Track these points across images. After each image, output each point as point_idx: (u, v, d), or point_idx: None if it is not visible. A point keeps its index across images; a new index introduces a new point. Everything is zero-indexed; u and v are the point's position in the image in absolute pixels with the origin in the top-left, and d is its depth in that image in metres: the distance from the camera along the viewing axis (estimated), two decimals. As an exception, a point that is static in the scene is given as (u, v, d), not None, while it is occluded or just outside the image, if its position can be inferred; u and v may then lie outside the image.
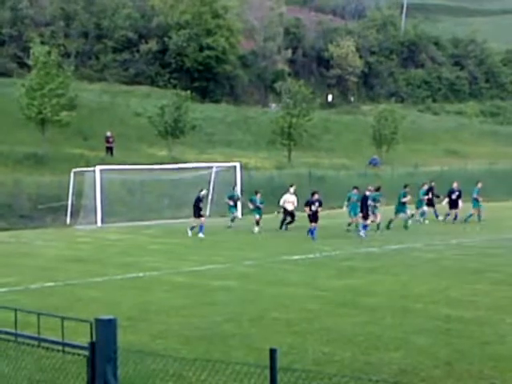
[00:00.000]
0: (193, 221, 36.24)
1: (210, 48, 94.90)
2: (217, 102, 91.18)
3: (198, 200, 36.02)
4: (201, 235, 35.04)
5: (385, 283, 21.55)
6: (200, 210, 35.78)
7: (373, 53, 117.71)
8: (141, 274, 23.87)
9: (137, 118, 70.29)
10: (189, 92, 66.77)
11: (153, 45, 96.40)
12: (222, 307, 18.26)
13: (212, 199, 45.21)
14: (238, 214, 42.44)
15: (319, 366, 12.86)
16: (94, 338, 6.78)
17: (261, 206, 38.22)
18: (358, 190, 36.87)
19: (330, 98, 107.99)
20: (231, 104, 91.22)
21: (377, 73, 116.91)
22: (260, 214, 37.78)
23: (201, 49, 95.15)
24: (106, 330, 6.76)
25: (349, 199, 37.08)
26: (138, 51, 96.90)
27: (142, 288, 21.38)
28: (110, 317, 6.81)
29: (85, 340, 6.83)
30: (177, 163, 49.86)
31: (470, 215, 40.42)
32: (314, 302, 18.77)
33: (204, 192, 36.99)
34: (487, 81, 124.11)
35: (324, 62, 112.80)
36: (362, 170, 64.71)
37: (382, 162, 71.58)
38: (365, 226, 34.26)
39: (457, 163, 70.34)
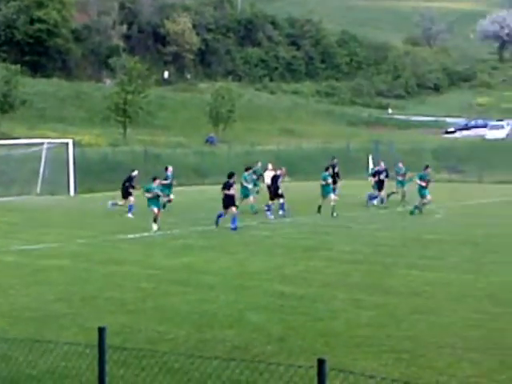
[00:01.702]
0: (123, 202, 33.57)
1: (41, 21, 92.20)
2: (48, 76, 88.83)
3: (129, 179, 33.73)
4: (130, 215, 32.66)
5: (221, 261, 21.57)
6: (129, 190, 33.28)
7: (210, 30, 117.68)
8: (-34, 254, 22.86)
9: (-36, 91, 67.38)
10: (19, 66, 64.96)
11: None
12: (53, 287, 17.78)
13: (43, 176, 43.88)
14: (72, 191, 41.55)
15: (153, 344, 12.69)
16: None
17: (161, 194, 29.75)
18: (249, 170, 35.75)
19: (166, 74, 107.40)
20: (63, 79, 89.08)
21: (214, 50, 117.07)
22: (158, 206, 29.33)
23: (31, 21, 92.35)
24: None
25: (245, 179, 34.89)
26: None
27: (-32, 268, 20.48)
28: None
29: None
30: (6, 139, 48.20)
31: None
32: (148, 280, 18.55)
33: (135, 173, 34.67)
34: (323, 61, 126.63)
35: (160, 39, 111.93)
36: (199, 147, 64.80)
37: (218, 140, 71.88)
38: (269, 206, 32.57)
39: (293, 142, 71.51)
